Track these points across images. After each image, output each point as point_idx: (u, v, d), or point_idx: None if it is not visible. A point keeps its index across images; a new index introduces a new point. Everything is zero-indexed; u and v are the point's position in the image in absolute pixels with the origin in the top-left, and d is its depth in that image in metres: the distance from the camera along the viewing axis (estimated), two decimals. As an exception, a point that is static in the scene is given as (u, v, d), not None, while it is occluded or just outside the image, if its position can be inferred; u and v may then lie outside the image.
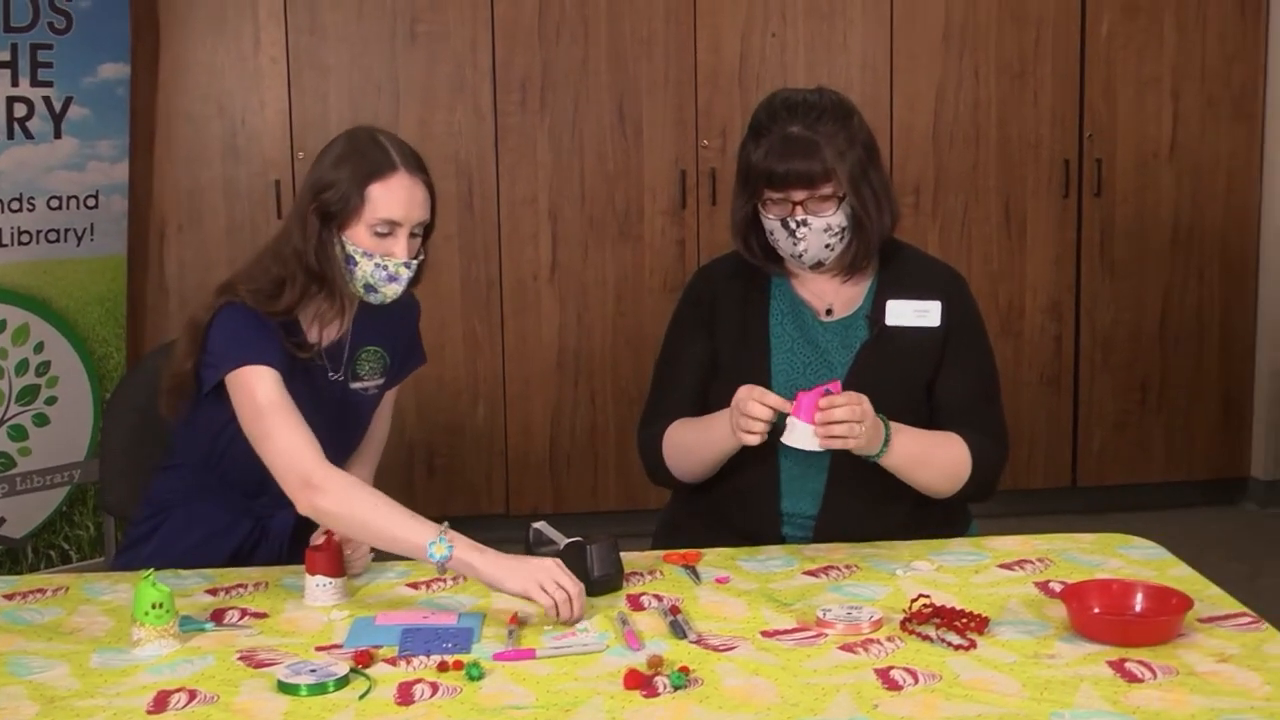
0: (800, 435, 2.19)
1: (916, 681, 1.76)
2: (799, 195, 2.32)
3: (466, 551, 2.03)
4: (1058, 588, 2.07)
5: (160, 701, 1.73)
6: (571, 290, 4.64)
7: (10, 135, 3.90)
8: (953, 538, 2.40)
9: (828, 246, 2.36)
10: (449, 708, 1.71)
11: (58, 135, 4.01)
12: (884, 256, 2.47)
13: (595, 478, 4.72)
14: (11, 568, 3.99)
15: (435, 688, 1.76)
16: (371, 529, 2.09)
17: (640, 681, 1.75)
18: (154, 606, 1.88)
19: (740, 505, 2.43)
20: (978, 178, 4.71)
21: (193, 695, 1.75)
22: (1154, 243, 4.81)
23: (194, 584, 2.19)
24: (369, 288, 2.28)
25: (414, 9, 4.48)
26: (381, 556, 2.27)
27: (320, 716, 1.70)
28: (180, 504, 2.41)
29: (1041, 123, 4.71)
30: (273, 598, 2.13)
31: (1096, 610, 1.94)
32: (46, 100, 3.97)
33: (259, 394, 2.18)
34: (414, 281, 2.32)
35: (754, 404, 2.20)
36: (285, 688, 1.75)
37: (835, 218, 2.34)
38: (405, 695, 1.74)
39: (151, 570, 1.93)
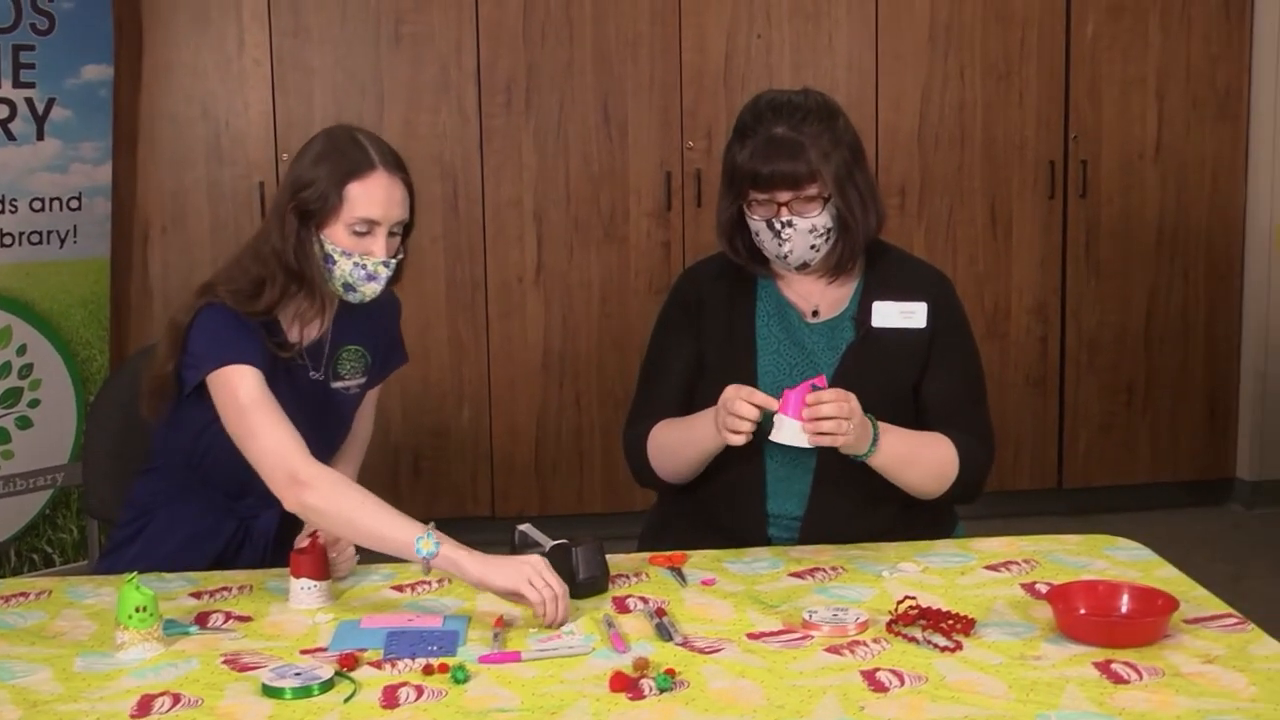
0: (788, 432, 2.18)
1: (902, 683, 1.76)
2: (784, 196, 2.32)
3: (453, 550, 2.03)
4: (1043, 589, 2.07)
5: (144, 705, 1.73)
6: (557, 292, 4.63)
7: (-8, 137, 3.89)
8: (939, 539, 2.39)
9: (813, 248, 2.36)
10: (434, 711, 1.71)
11: (40, 137, 3.99)
12: (870, 258, 2.47)
13: (581, 480, 4.71)
14: (-6, 571, 3.99)
15: (420, 691, 1.76)
16: (358, 526, 2.09)
17: (626, 684, 1.75)
18: (138, 610, 1.87)
19: (726, 506, 2.43)
20: (963, 179, 4.71)
21: (177, 699, 1.74)
22: (1139, 244, 4.82)
23: (178, 587, 2.18)
24: (348, 286, 2.28)
25: (398, 10, 4.47)
26: (367, 559, 2.26)
27: (305, 720, 1.69)
28: (163, 506, 2.40)
29: (1027, 124, 4.72)
30: (257, 601, 2.12)
31: (1082, 611, 1.94)
32: (29, 102, 3.95)
33: (242, 393, 2.18)
34: (393, 280, 2.32)
35: (741, 403, 2.20)
36: (270, 691, 1.74)
37: (820, 219, 2.34)
38: (390, 698, 1.74)
39: (135, 573, 1.93)
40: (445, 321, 4.60)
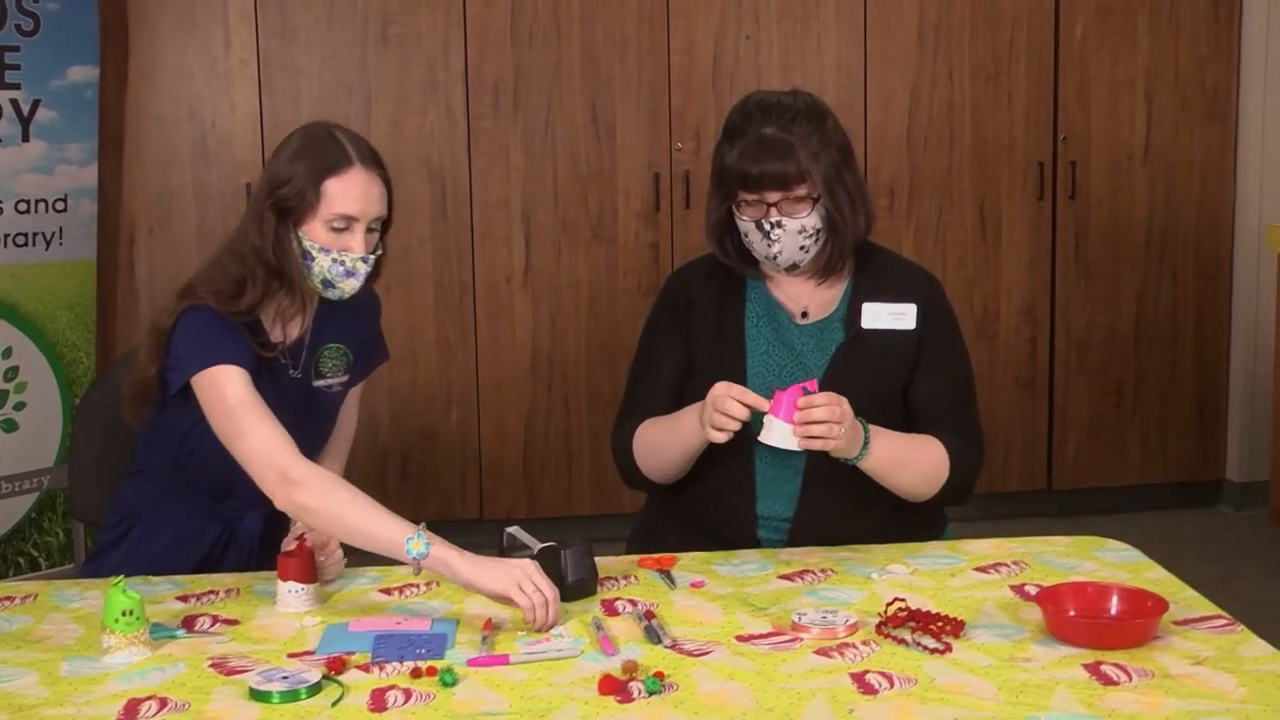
0: (779, 434, 2.18)
1: (892, 685, 1.75)
2: (773, 197, 2.32)
3: (444, 550, 2.03)
4: (1033, 591, 2.07)
5: (131, 709, 1.72)
6: (545, 294, 4.62)
7: (-23, 138, 3.88)
8: (928, 541, 2.39)
9: (802, 248, 2.35)
10: (422, 714, 1.70)
11: (25, 138, 3.98)
12: (859, 259, 2.47)
13: (569, 482, 4.70)
14: (-20, 575, 3.97)
15: (408, 694, 1.75)
16: (349, 525, 2.09)
17: (615, 687, 1.74)
18: (124, 614, 1.87)
19: (715, 508, 2.43)
20: (952, 180, 4.71)
21: (163, 703, 1.74)
22: (1128, 245, 4.82)
23: (165, 590, 2.18)
24: (326, 283, 2.28)
25: (386, 11, 4.46)
26: (354, 562, 2.26)
27: (292, 724, 1.68)
28: (149, 509, 2.40)
29: (1016, 125, 4.72)
30: (244, 604, 2.11)
31: (1072, 613, 1.94)
32: (14, 103, 3.94)
33: (229, 393, 2.17)
34: (372, 277, 2.32)
35: (732, 403, 2.19)
36: (257, 695, 1.74)
37: (810, 219, 2.34)
38: (378, 702, 1.73)
39: (122, 577, 1.93)
40: (433, 323, 4.59)
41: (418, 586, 2.18)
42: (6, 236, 3.96)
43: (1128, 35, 4.72)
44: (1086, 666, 1.79)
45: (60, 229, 4.09)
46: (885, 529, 2.39)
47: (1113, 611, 1.95)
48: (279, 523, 2.40)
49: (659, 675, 1.76)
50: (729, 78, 4.57)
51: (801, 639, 1.91)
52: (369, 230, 2.27)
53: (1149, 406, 4.92)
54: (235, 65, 4.44)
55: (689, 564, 2.26)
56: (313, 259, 2.26)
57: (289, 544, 2.18)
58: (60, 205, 4.09)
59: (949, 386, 2.44)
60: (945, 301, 2.50)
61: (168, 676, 1.82)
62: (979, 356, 4.32)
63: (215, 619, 2.04)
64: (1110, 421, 4.91)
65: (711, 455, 2.36)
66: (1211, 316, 4.91)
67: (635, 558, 2.30)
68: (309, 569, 2.09)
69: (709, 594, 2.12)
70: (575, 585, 2.09)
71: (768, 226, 2.33)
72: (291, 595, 2.08)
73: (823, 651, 1.87)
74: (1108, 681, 1.75)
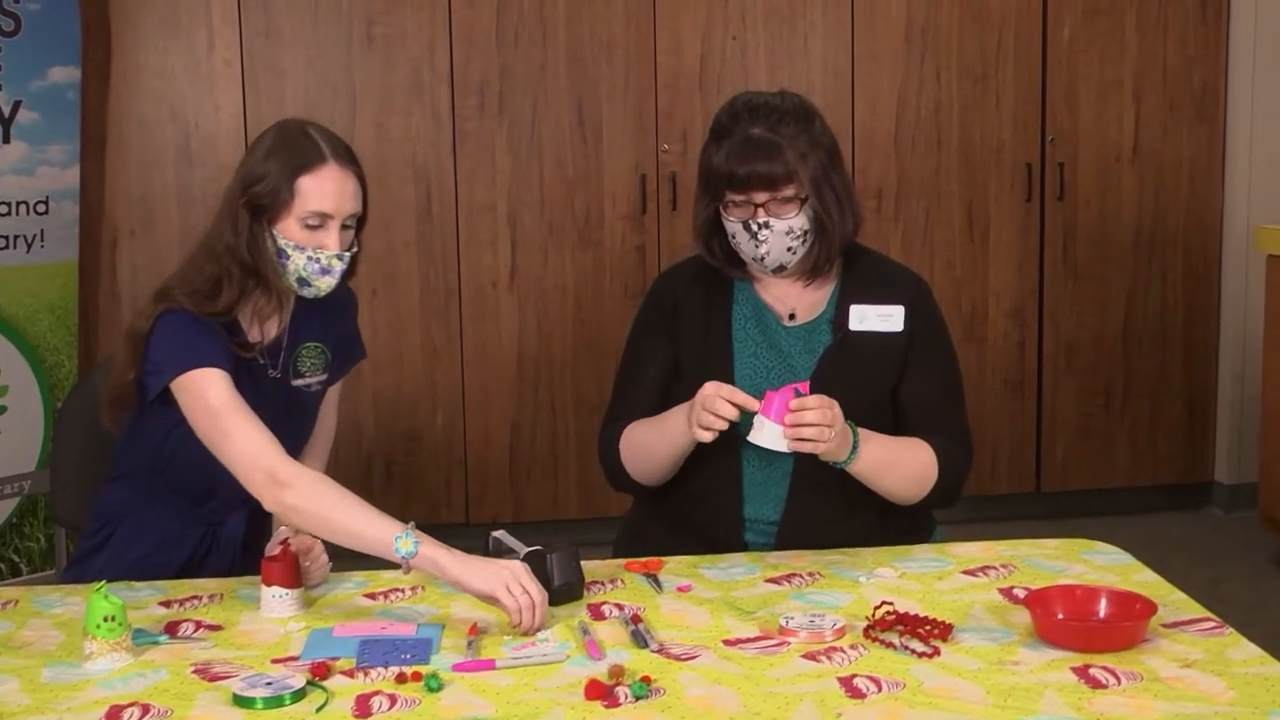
0: (769, 435, 2.17)
1: (880, 689, 1.74)
2: (761, 197, 2.31)
3: (433, 549, 2.02)
4: (1021, 594, 2.06)
5: (113, 716, 1.71)
6: (531, 296, 4.61)
7: (-41, 140, 3.86)
8: (916, 544, 2.39)
9: (790, 249, 2.35)
10: (407, 720, 1.70)
11: (6, 140, 3.96)
12: (846, 261, 2.47)
13: (556, 486, 4.70)
14: (-39, 580, 3.94)
15: (394, 700, 1.74)
16: (337, 525, 2.08)
17: (601, 692, 1.73)
18: (106, 619, 1.86)
19: (702, 511, 2.42)
20: (940, 182, 4.71)
21: (146, 710, 1.72)
22: (1117, 246, 4.83)
23: (147, 596, 2.16)
24: (302, 281, 2.28)
25: (370, 12, 4.45)
26: (339, 566, 2.25)
27: (275, 730, 1.68)
28: (130, 514, 2.39)
29: (1003, 126, 4.72)
30: (228, 609, 2.10)
31: (1060, 616, 1.93)
32: (-5, 104, 3.93)
33: (211, 396, 2.16)
34: (348, 274, 2.32)
35: (722, 403, 2.19)
36: (241, 701, 1.72)
37: (797, 220, 2.33)
38: (363, 708, 1.72)
39: (104, 582, 1.91)
40: (419, 326, 4.58)
41: (403, 591, 2.17)
42: (-12, 239, 3.95)
43: (1115, 36, 4.73)
44: (1075, 670, 1.79)
45: (41, 231, 4.07)
46: (873, 532, 2.38)
47: (1101, 614, 1.94)
48: (262, 525, 2.40)
49: (646, 680, 1.76)
50: (716, 79, 4.56)
51: (789, 643, 1.90)
52: (344, 227, 2.27)
53: (1138, 408, 4.93)
54: (219, 66, 4.42)
55: (676, 568, 2.25)
56: (288, 257, 2.25)
57: (273, 549, 2.17)
58: (42, 207, 4.06)
59: (937, 389, 2.44)
60: (933, 303, 2.50)
61: (150, 683, 1.80)
62: (967, 358, 4.33)
63: (198, 624, 2.03)
64: (1099, 423, 4.91)
65: (699, 458, 2.35)
66: (1200, 318, 4.92)
67: (622, 561, 2.29)
68: (293, 574, 2.08)
69: (696, 598, 2.11)
70: (562, 589, 2.08)
71: (755, 227, 2.33)
72: (275, 600, 2.07)
73: (810, 655, 1.86)
74: (1096, 685, 1.74)
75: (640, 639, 1.92)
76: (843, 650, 1.87)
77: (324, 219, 2.24)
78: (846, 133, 4.59)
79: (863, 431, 2.28)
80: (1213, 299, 4.92)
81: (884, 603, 1.98)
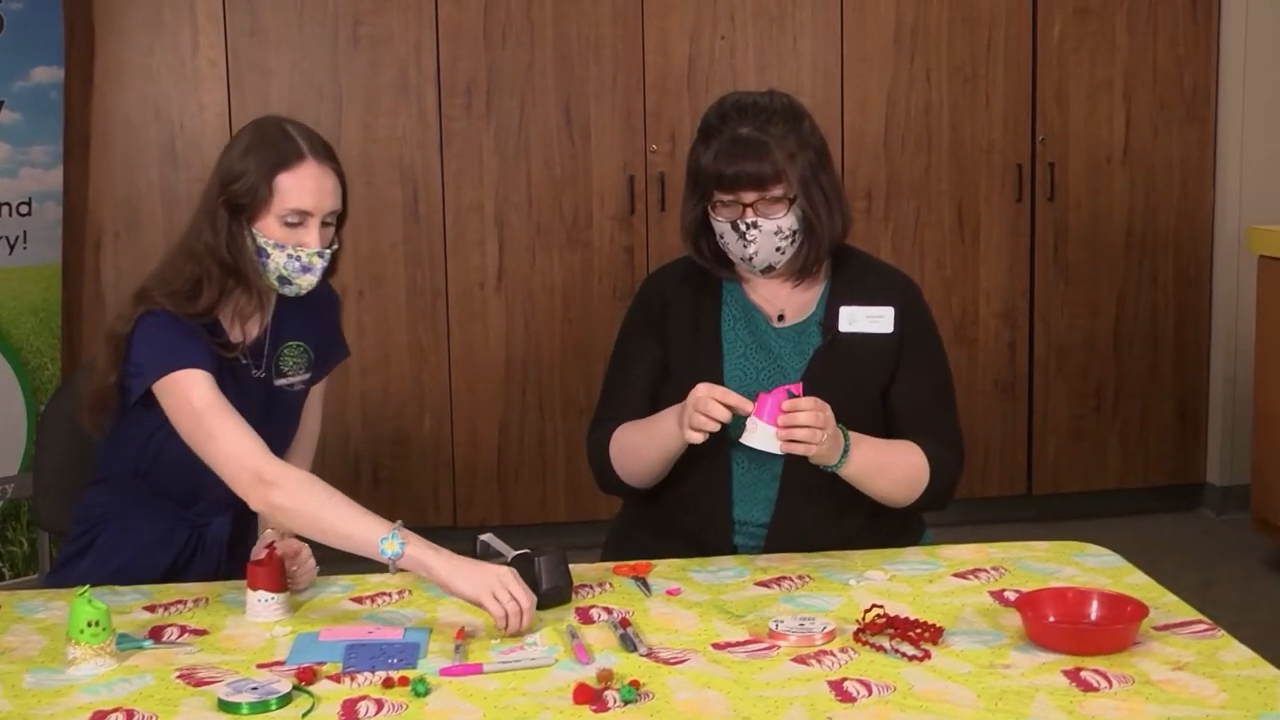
0: (761, 436, 2.17)
1: (870, 693, 1.75)
2: (749, 197, 2.31)
3: (420, 550, 2.02)
4: (1012, 596, 2.07)
5: (97, 721, 1.71)
6: (519, 298, 4.60)
7: (-59, 141, 3.84)
8: (906, 547, 2.39)
9: (778, 250, 2.35)
10: (394, 725, 1.69)
11: (-12, 141, 3.94)
12: (836, 262, 2.47)
13: (544, 488, 4.68)
14: (-55, 585, 3.92)
15: (380, 705, 1.73)
16: (324, 525, 2.08)
17: (590, 696, 1.73)
18: (90, 624, 1.85)
19: (691, 514, 2.42)
20: (930, 182, 4.71)
21: (130, 715, 1.72)
22: (1108, 248, 4.82)
23: (132, 600, 2.15)
24: (283, 279, 2.27)
25: (356, 11, 4.43)
26: (326, 570, 2.25)
27: (261, 735, 1.67)
28: (113, 518, 2.38)
29: (994, 127, 4.72)
30: (213, 614, 2.09)
31: (1052, 619, 1.93)
32: (-23, 105, 3.91)
33: (195, 397, 2.16)
34: (329, 272, 2.31)
35: (714, 404, 2.18)
36: (226, 707, 1.72)
37: (786, 220, 2.33)
38: (350, 713, 1.72)
39: (87, 587, 1.90)
40: (405, 328, 4.56)
41: (390, 595, 2.16)
42: (-30, 241, 3.93)
43: (1106, 36, 4.72)
44: (1066, 673, 1.79)
45: (24, 233, 4.05)
46: (863, 535, 2.38)
47: (1093, 617, 1.95)
48: (247, 527, 2.40)
49: (634, 684, 1.75)
50: (704, 79, 4.55)
51: (779, 647, 1.90)
52: (324, 224, 2.26)
53: (1129, 410, 4.92)
54: (204, 66, 4.40)
55: (665, 571, 2.25)
56: (268, 256, 2.25)
57: (259, 553, 2.17)
58: (24, 209, 4.04)
59: (928, 391, 2.44)
60: (923, 305, 2.50)
61: (135, 688, 1.80)
62: (957, 360, 4.31)
63: (183, 629, 2.02)
64: (1090, 425, 4.91)
65: (688, 460, 2.35)
66: (1191, 319, 4.91)
67: (611, 565, 2.28)
68: (279, 578, 2.07)
69: (685, 601, 2.11)
70: (550, 593, 2.07)
71: (743, 227, 2.33)
72: (261, 605, 2.06)
73: (800, 659, 1.86)
74: (1088, 688, 1.74)
75: (629, 643, 1.92)
76: (833, 654, 1.87)
77: (304, 216, 2.23)
78: (836, 133, 4.58)
79: (853, 435, 2.28)
80: (1204, 300, 4.91)
81: (874, 606, 1.97)
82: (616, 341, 2.54)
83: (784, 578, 2.20)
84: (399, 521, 2.06)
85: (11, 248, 4.02)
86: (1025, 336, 4.83)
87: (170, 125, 4.42)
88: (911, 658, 1.85)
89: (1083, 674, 1.78)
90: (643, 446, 2.38)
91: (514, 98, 4.51)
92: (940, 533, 2.55)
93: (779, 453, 2.18)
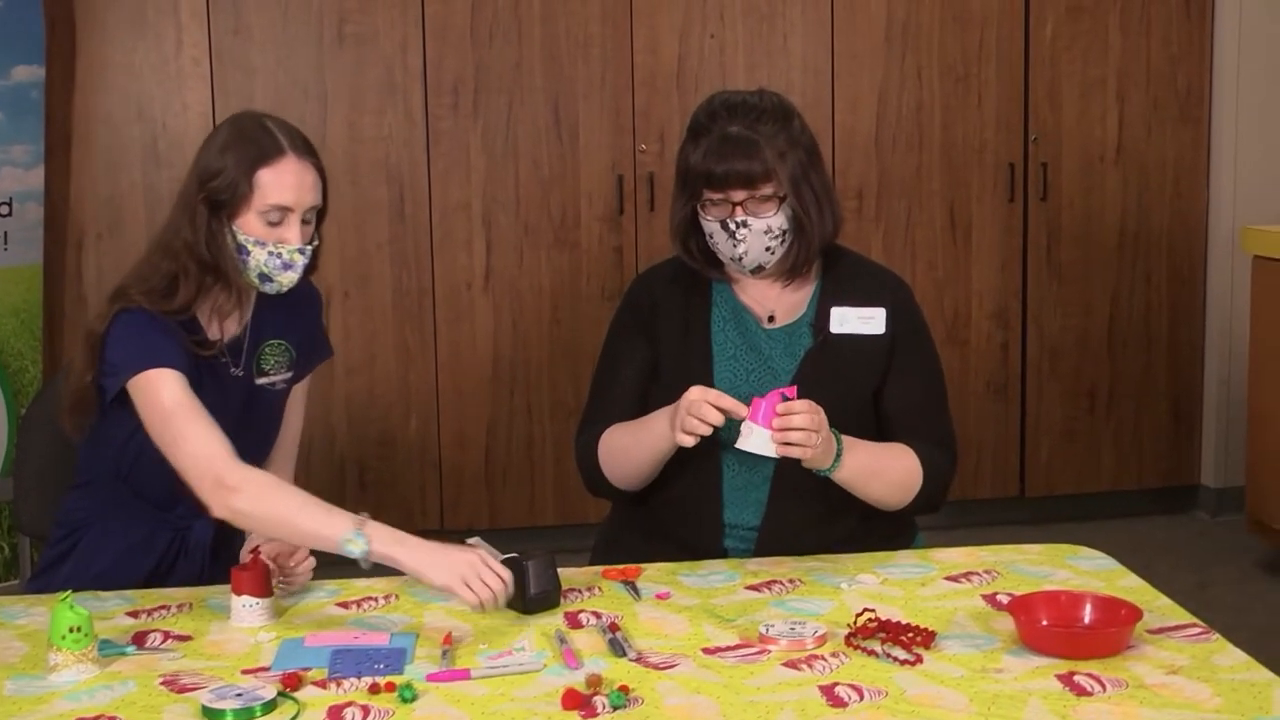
0: (757, 440, 2.17)
1: (862, 698, 1.74)
2: (739, 196, 2.30)
3: (386, 545, 2.03)
4: (1005, 600, 2.06)
5: (79, 729, 1.70)
6: (506, 299, 4.59)
7: (-81, 141, 3.82)
8: (898, 550, 2.38)
9: (768, 249, 2.34)
10: (381, 731, 1.69)
11: (-32, 141, 3.92)
12: (826, 263, 2.46)
13: (532, 491, 4.67)
14: (-75, 590, 3.89)
15: (367, 711, 1.73)
16: (288, 526, 2.09)
17: (578, 701, 1.72)
18: (71, 630, 1.84)
19: (681, 517, 2.41)
20: (921, 182, 4.70)
21: (113, 722, 1.72)
22: (1101, 248, 4.82)
23: (114, 606, 2.15)
24: (264, 277, 2.26)
25: (342, 9, 4.41)
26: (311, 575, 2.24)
27: (245, 742, 1.68)
28: (95, 522, 2.36)
29: (986, 126, 4.71)
30: (197, 619, 2.09)
31: (1045, 623, 1.93)
32: (-44, 105, 3.89)
33: (165, 397, 2.15)
34: (310, 269, 2.31)
35: (708, 408, 2.18)
36: (210, 713, 1.71)
37: (776, 219, 2.32)
38: (336, 719, 1.71)
39: (69, 592, 1.90)
40: (392, 329, 4.55)
41: (376, 600, 2.15)
42: (-50, 241, 3.91)
43: (1099, 35, 4.72)
44: (1060, 677, 1.78)
45: (5, 234, 4.03)
46: (854, 538, 2.38)
47: (1086, 621, 1.94)
48: (231, 530, 2.36)
49: (624, 689, 1.75)
50: (694, 77, 4.54)
51: (769, 651, 1.90)
52: (304, 221, 2.26)
53: (1123, 411, 4.92)
54: (187, 64, 4.38)
55: (654, 575, 2.24)
56: (248, 253, 2.24)
57: (244, 557, 2.16)
58: (5, 209, 4.02)
59: (920, 392, 2.43)
60: (915, 305, 2.49)
61: (117, 695, 1.79)
62: (950, 361, 4.31)
63: (167, 635, 2.02)
64: (1083, 427, 4.91)
65: (678, 463, 2.34)
66: (1185, 319, 4.91)
67: (600, 569, 2.28)
68: (264, 582, 2.06)
69: (675, 605, 2.10)
70: (538, 597, 2.07)
71: (733, 226, 2.32)
72: (246, 610, 2.05)
73: (791, 664, 1.85)
74: (1081, 692, 1.74)
75: (618, 647, 1.91)
76: (824, 658, 1.87)
77: (284, 213, 2.23)
78: (826, 132, 4.57)
79: (846, 439, 2.27)
80: (1198, 300, 4.91)
81: (865, 610, 1.97)
82: (605, 343, 2.53)
83: (775, 581, 2.20)
84: (364, 514, 2.07)
85: (-9, 248, 4.01)
86: (1018, 337, 4.83)
87: (153, 124, 4.39)
88: (903, 662, 1.84)
89: (1076, 678, 1.77)
90: (632, 448, 2.37)
91: (501, 97, 4.50)
92: (932, 535, 2.55)
93: (774, 456, 2.18)
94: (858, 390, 2.39)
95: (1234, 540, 4.64)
